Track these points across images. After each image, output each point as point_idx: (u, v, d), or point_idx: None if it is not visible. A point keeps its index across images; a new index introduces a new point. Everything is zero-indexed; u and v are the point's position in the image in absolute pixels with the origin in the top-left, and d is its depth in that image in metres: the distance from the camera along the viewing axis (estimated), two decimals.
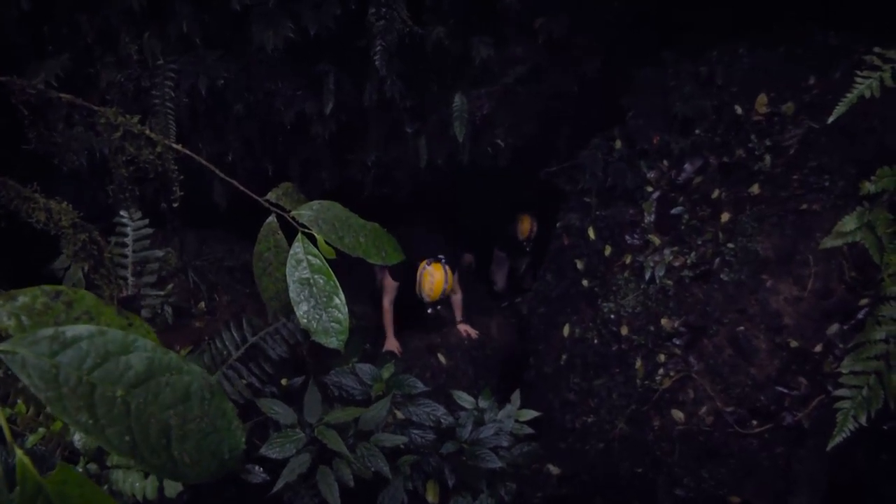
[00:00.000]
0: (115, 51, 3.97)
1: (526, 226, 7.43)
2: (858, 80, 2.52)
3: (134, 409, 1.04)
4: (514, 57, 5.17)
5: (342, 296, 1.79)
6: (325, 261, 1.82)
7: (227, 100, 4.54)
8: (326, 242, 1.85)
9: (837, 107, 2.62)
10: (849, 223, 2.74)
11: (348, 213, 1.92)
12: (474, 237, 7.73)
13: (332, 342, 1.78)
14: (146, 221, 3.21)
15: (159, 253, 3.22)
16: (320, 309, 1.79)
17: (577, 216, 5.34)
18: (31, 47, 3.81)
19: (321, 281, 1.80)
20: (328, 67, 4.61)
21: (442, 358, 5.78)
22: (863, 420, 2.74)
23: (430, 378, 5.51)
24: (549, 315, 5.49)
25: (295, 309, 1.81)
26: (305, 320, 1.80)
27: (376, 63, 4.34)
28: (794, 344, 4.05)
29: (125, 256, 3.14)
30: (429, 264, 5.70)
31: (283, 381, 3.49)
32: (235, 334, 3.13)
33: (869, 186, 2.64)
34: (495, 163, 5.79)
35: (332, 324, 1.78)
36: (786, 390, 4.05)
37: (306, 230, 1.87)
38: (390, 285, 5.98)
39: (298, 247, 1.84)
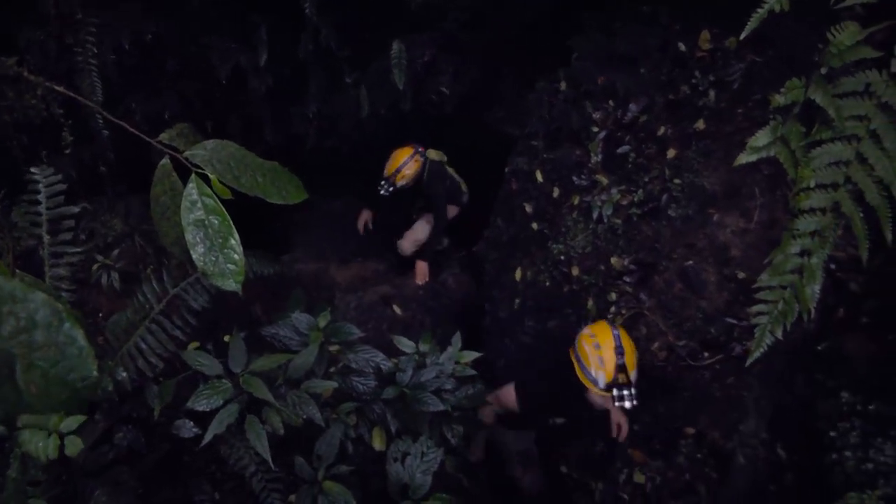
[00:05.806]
0: (34, 7, 3.82)
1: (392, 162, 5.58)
2: None
3: None
4: (454, 2, 5.08)
5: (237, 236, 1.74)
6: (219, 202, 1.77)
7: (159, 55, 4.43)
8: (221, 182, 1.79)
9: (749, 22, 2.55)
10: (762, 137, 2.68)
11: (245, 152, 1.85)
12: None
13: (230, 284, 1.74)
14: (59, 177, 3.12)
15: (74, 209, 3.14)
16: (216, 251, 1.74)
17: (524, 160, 5.29)
18: None
19: (216, 222, 1.75)
20: (261, 18, 4.49)
21: (397, 309, 5.73)
22: (779, 334, 2.72)
23: (387, 330, 5.45)
24: (501, 260, 5.46)
25: (191, 252, 1.75)
26: (202, 263, 1.75)
27: (306, 11, 4.24)
28: (741, 275, 4.07)
29: (39, 214, 3.06)
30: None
31: (226, 338, 3.44)
32: (157, 286, 3.07)
33: (779, 99, 2.60)
34: (441, 111, 5.72)
35: (229, 265, 1.73)
36: (735, 321, 4.09)
37: (200, 171, 1.81)
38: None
39: (192, 188, 1.77)
